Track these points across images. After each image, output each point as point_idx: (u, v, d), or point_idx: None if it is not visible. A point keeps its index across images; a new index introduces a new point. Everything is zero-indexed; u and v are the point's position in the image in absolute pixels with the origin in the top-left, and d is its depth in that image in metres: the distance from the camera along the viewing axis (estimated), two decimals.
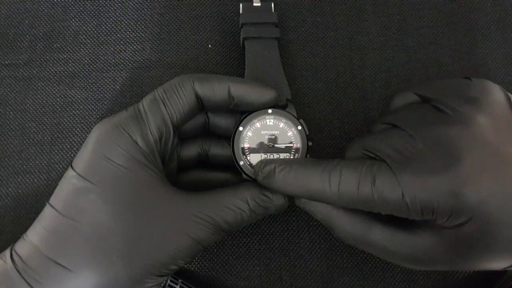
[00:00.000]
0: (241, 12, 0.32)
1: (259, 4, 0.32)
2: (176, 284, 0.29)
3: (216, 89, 0.26)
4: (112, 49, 0.35)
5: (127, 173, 0.24)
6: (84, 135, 0.33)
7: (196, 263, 0.31)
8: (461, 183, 0.21)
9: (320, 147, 0.33)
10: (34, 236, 0.24)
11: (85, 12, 0.36)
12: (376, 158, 0.23)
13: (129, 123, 0.25)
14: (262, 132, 0.27)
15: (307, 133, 0.27)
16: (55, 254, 0.23)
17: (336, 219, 0.25)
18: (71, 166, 0.25)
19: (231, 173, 0.29)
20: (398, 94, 0.27)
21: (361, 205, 0.23)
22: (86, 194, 0.23)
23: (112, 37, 0.35)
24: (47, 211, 0.24)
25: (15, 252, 0.23)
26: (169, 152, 0.26)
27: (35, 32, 0.35)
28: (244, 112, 0.28)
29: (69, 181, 0.24)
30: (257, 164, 0.26)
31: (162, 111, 0.25)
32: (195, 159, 0.29)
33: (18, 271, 0.23)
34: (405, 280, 0.31)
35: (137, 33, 0.35)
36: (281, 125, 0.27)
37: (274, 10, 0.32)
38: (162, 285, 0.30)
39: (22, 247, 0.24)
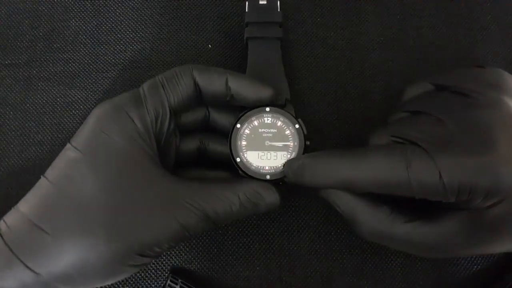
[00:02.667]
0: (247, 10, 0.32)
1: (265, 2, 0.32)
2: (176, 284, 0.29)
3: (214, 79, 0.26)
4: (112, 49, 0.35)
5: (120, 148, 0.24)
6: None
7: (196, 263, 0.31)
8: (499, 163, 0.21)
9: (320, 147, 0.33)
10: (24, 204, 0.24)
11: (85, 12, 0.36)
12: (405, 143, 0.24)
13: (128, 103, 0.25)
14: (260, 130, 0.27)
15: (305, 132, 0.27)
16: (39, 220, 0.23)
17: (359, 213, 0.25)
18: (69, 141, 0.25)
19: (230, 173, 0.29)
20: (410, 85, 0.28)
21: (395, 189, 0.23)
22: (77, 163, 0.24)
23: (112, 37, 0.35)
24: (39, 182, 0.25)
25: (3, 220, 0.24)
26: (164, 135, 0.26)
27: (35, 32, 0.35)
28: (243, 109, 0.28)
29: (64, 153, 0.25)
30: (285, 165, 0.26)
31: (161, 93, 0.26)
32: (195, 153, 0.29)
33: (1, 236, 0.23)
34: (405, 280, 0.31)
35: (137, 33, 0.35)
36: (279, 123, 0.27)
37: (279, 9, 0.32)
38: (162, 285, 0.30)
39: (10, 215, 0.24)
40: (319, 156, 0.25)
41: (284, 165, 0.27)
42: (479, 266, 0.32)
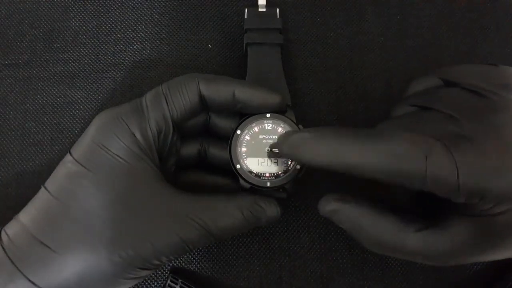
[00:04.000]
0: (246, 17, 0.32)
1: (264, 10, 0.32)
2: (176, 284, 0.29)
3: (221, 91, 0.26)
4: (112, 49, 0.35)
5: (122, 164, 0.24)
6: None
7: (196, 263, 0.31)
8: None
9: None
10: (25, 216, 0.24)
11: (85, 12, 0.36)
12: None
13: (130, 115, 0.25)
14: (260, 136, 0.27)
15: None
16: (41, 234, 0.23)
17: (365, 227, 0.24)
18: (69, 151, 0.25)
19: (229, 178, 0.29)
20: (418, 78, 0.27)
21: (405, 179, 0.21)
22: (79, 179, 0.24)
23: (112, 37, 0.35)
24: (40, 193, 0.25)
25: (5, 231, 0.24)
26: (167, 148, 0.26)
27: (35, 32, 0.35)
28: (243, 115, 0.27)
29: (65, 165, 0.24)
30: (279, 136, 0.25)
31: (163, 107, 0.25)
32: (195, 156, 0.29)
33: (3, 249, 0.23)
34: (405, 280, 0.31)
35: (137, 33, 0.35)
36: (280, 129, 0.27)
37: (279, 16, 0.32)
38: (162, 285, 0.30)
39: (12, 226, 0.24)
40: (325, 131, 0.23)
41: (279, 139, 0.25)
42: (479, 266, 0.32)
